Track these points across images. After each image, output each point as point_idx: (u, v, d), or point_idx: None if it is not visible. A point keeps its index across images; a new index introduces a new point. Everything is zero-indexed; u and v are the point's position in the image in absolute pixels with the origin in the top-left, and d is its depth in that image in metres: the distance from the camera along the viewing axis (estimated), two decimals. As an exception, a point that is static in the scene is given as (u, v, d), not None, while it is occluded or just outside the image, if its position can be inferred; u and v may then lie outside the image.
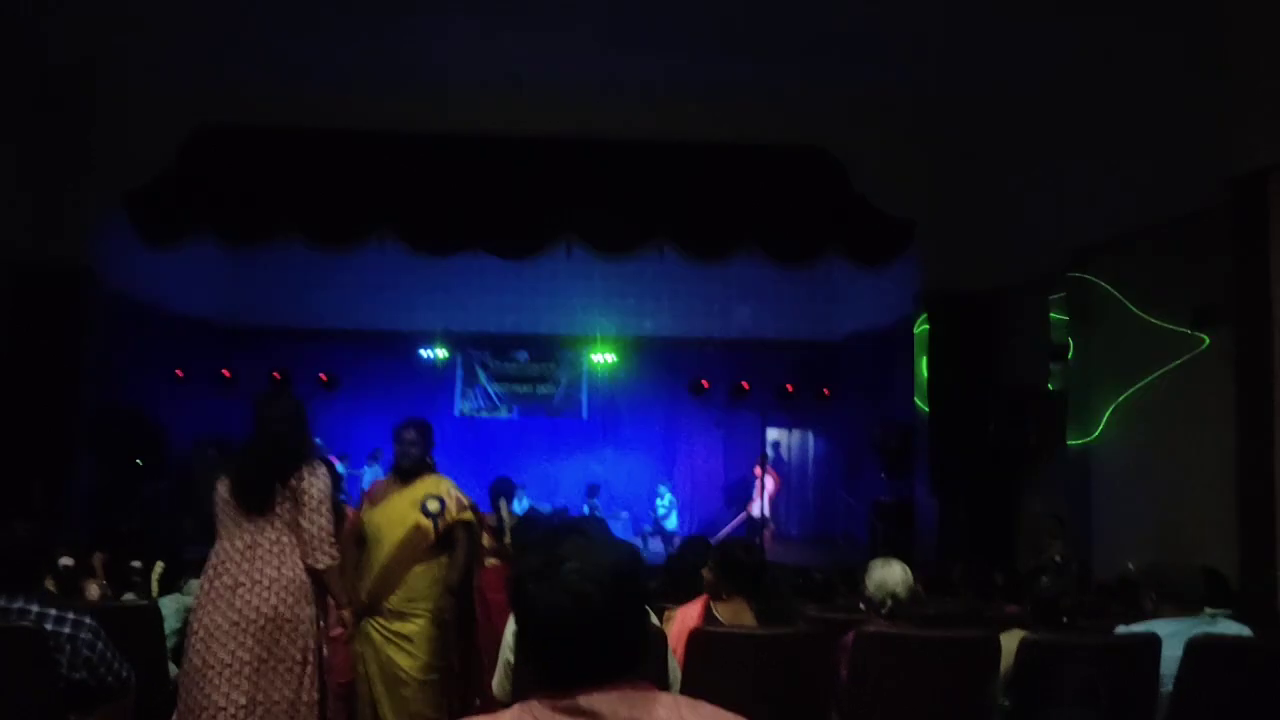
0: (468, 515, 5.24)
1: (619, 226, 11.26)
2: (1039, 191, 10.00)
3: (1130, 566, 5.28)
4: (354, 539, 5.16)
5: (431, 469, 5.36)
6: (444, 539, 5.16)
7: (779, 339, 15.34)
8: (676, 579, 5.26)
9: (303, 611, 4.27)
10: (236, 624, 4.16)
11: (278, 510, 4.31)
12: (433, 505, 5.11)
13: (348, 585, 4.74)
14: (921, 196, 11.06)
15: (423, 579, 5.09)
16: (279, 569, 4.25)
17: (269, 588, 4.21)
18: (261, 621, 4.17)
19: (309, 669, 4.27)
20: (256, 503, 4.31)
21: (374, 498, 5.29)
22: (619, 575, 1.71)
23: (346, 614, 4.63)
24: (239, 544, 4.28)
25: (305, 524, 4.30)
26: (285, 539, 4.30)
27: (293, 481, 4.32)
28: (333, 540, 4.37)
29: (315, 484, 4.35)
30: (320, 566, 4.32)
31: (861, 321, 14.14)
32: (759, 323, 15.33)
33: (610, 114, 10.90)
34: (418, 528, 5.09)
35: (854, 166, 11.00)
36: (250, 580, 4.21)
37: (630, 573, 1.74)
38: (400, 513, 5.14)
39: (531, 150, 10.93)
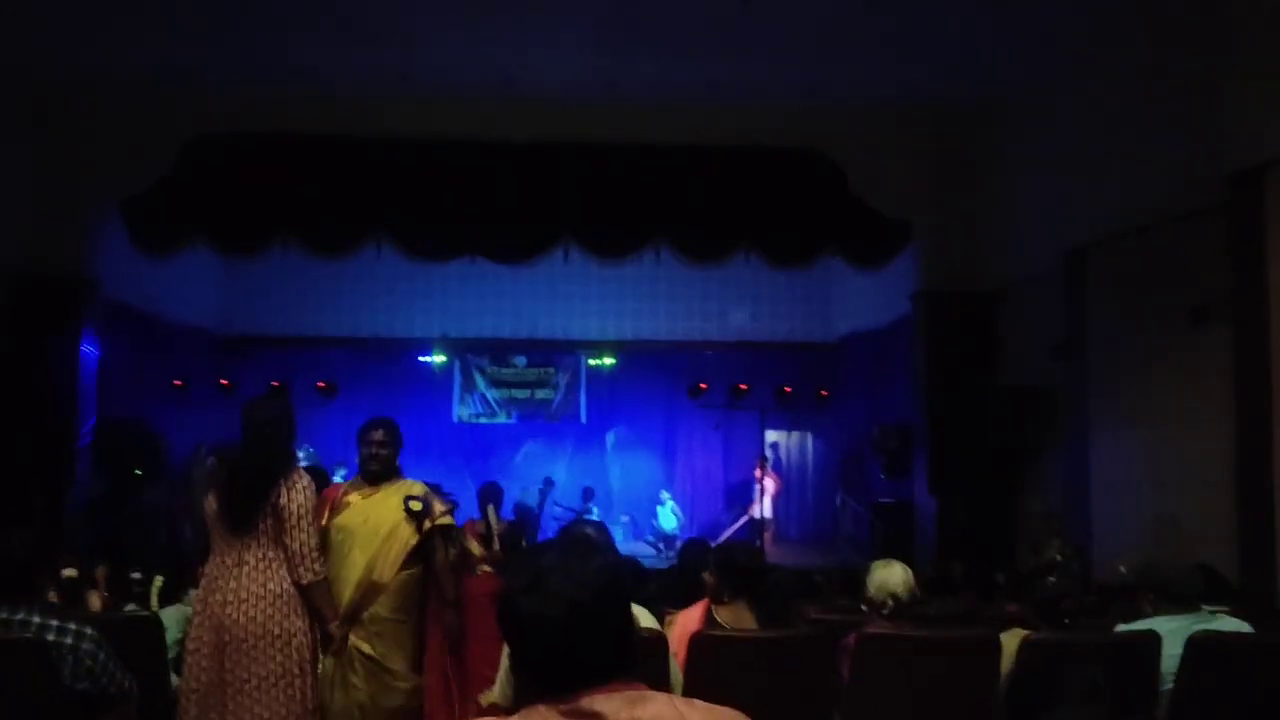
0: (447, 520, 5.00)
1: (616, 230, 11.25)
2: (1035, 191, 10.02)
3: (1122, 569, 5.27)
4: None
5: (400, 473, 5.07)
6: (424, 544, 4.88)
7: (777, 340, 15.37)
8: (678, 583, 5.25)
9: (292, 625, 4.26)
10: (228, 642, 4.17)
11: (261, 526, 4.29)
12: (415, 505, 4.85)
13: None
14: (918, 197, 11.07)
15: (406, 586, 4.82)
16: (264, 585, 4.24)
17: (255, 604, 4.20)
18: (252, 640, 4.17)
19: (307, 680, 4.27)
20: (239, 521, 4.28)
21: (336, 505, 4.90)
22: (604, 578, 1.76)
23: (334, 628, 4.48)
24: (228, 560, 4.28)
25: (287, 540, 4.29)
26: (271, 554, 4.28)
27: (272, 498, 4.29)
28: (316, 555, 4.34)
29: (295, 499, 4.31)
30: (304, 582, 4.31)
31: (859, 322, 14.15)
32: (757, 324, 15.38)
33: (606, 117, 10.91)
34: (400, 531, 4.84)
35: (850, 168, 10.99)
36: (237, 597, 4.21)
37: (615, 574, 1.80)
38: (380, 516, 4.84)
39: (528, 154, 10.93)
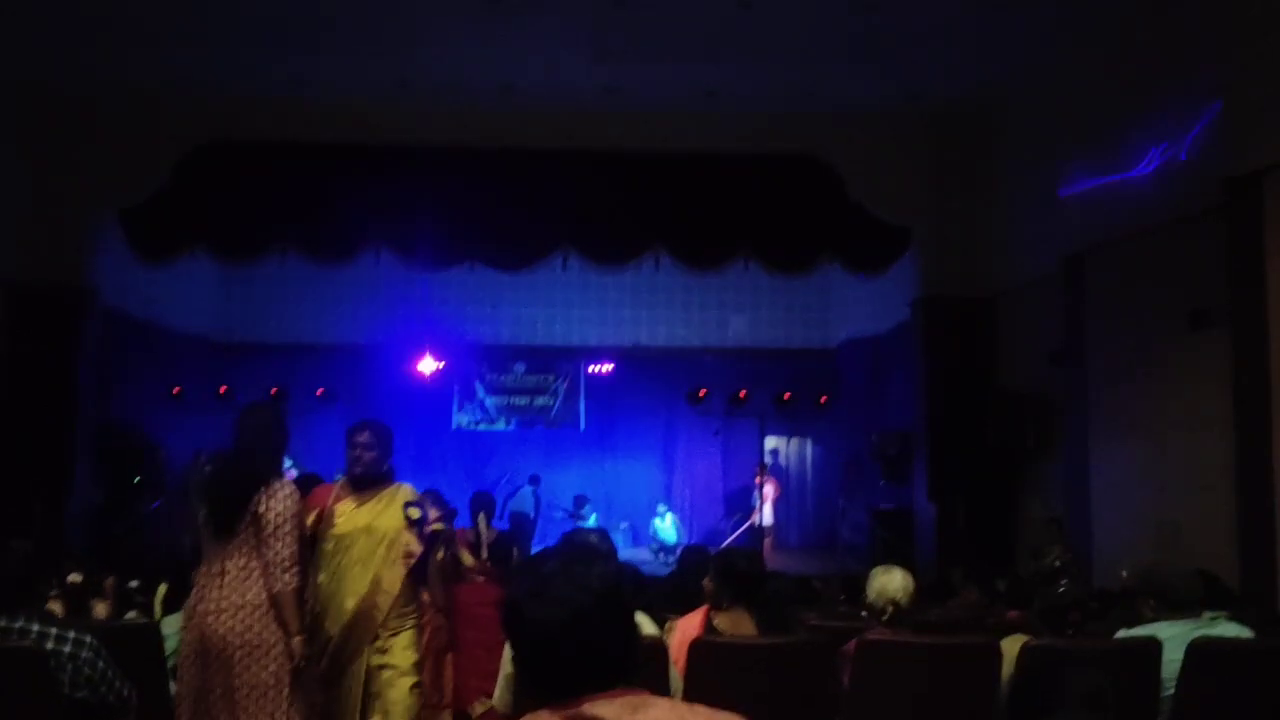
0: (440, 526, 4.92)
1: (615, 237, 11.30)
2: (1034, 195, 10.00)
3: (1124, 574, 5.26)
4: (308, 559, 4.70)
5: (390, 477, 4.93)
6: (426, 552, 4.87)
7: (776, 347, 15.37)
8: (677, 589, 5.24)
9: (272, 636, 4.22)
10: (208, 652, 4.16)
11: (242, 534, 4.26)
12: (414, 512, 4.77)
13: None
14: (917, 202, 11.12)
15: (409, 589, 4.79)
16: (244, 595, 4.21)
17: (235, 615, 4.18)
18: (230, 651, 4.15)
19: (284, 692, 4.23)
20: (222, 525, 4.27)
21: (327, 513, 4.78)
22: (607, 584, 1.78)
23: (297, 643, 4.26)
24: (213, 569, 4.27)
25: (264, 549, 4.25)
26: (252, 563, 4.25)
27: (253, 505, 4.26)
28: (289, 565, 4.26)
29: (274, 507, 4.27)
30: (274, 590, 4.23)
31: (858, 328, 14.16)
32: (756, 331, 15.39)
33: (605, 124, 10.96)
34: (403, 538, 4.76)
35: (849, 174, 11.03)
36: (218, 607, 4.19)
37: (616, 580, 1.81)
38: (383, 525, 4.75)
39: (526, 161, 10.95)
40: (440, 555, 5.28)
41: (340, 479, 4.96)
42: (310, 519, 4.66)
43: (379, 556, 4.70)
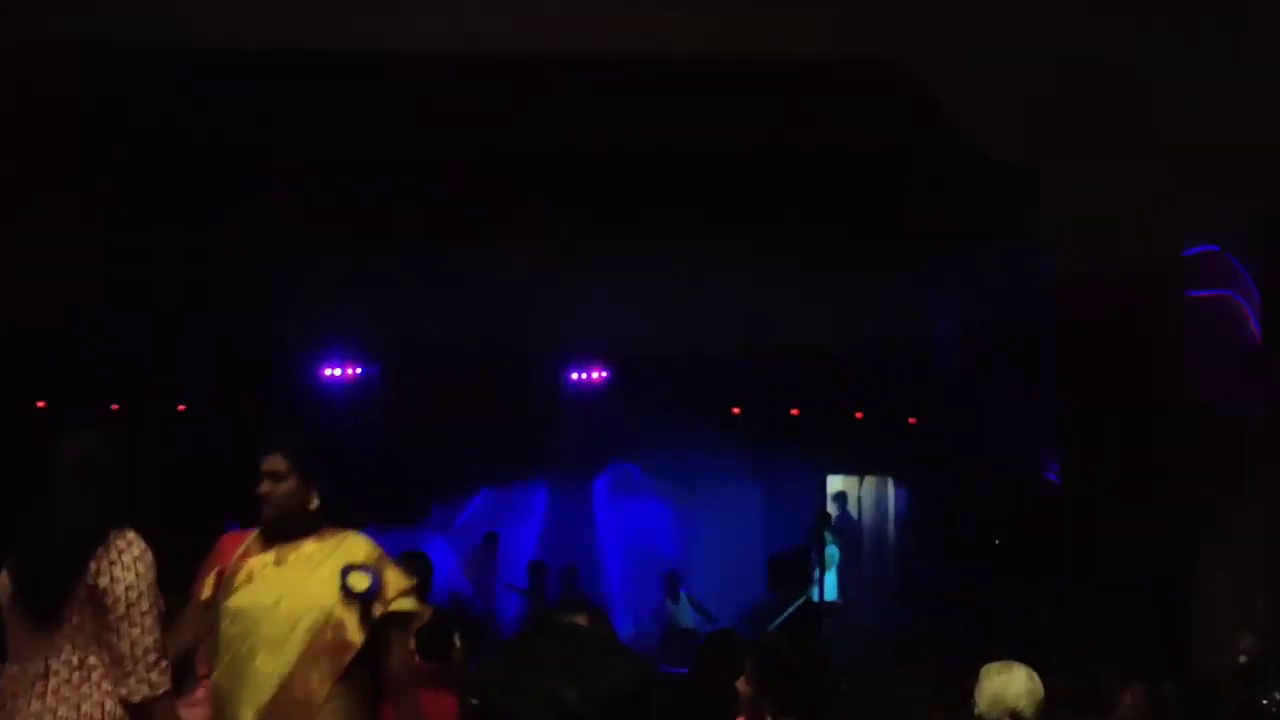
0: (407, 604, 4.68)
1: (621, 178, 11.46)
2: (1222, 122, 9.87)
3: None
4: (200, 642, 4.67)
5: (319, 522, 4.66)
6: (373, 643, 4.55)
7: (841, 345, 15.08)
8: (698, 693, 5.10)
9: None
10: None
11: (73, 618, 4.16)
12: (359, 581, 4.49)
13: None
14: (1048, 136, 10.95)
15: (348, 708, 4.52)
16: (78, 705, 4.13)
17: None
18: None
19: None
20: (40, 607, 4.18)
21: (229, 573, 4.59)
22: (617, 690, 1.85)
23: None
24: (31, 669, 4.19)
25: (113, 638, 4.14)
26: (91, 659, 4.18)
27: (87, 576, 4.14)
28: (155, 658, 4.16)
29: (121, 576, 4.16)
30: (137, 698, 4.13)
31: (963, 318, 13.98)
32: (812, 323, 15.09)
33: (626, 26, 10.77)
34: (335, 620, 4.51)
35: (949, 92, 10.88)
36: None
37: (633, 690, 1.88)
38: (302, 597, 4.52)
39: (515, 71, 10.86)
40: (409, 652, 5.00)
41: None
42: (206, 586, 4.61)
43: (294, 646, 4.47)
